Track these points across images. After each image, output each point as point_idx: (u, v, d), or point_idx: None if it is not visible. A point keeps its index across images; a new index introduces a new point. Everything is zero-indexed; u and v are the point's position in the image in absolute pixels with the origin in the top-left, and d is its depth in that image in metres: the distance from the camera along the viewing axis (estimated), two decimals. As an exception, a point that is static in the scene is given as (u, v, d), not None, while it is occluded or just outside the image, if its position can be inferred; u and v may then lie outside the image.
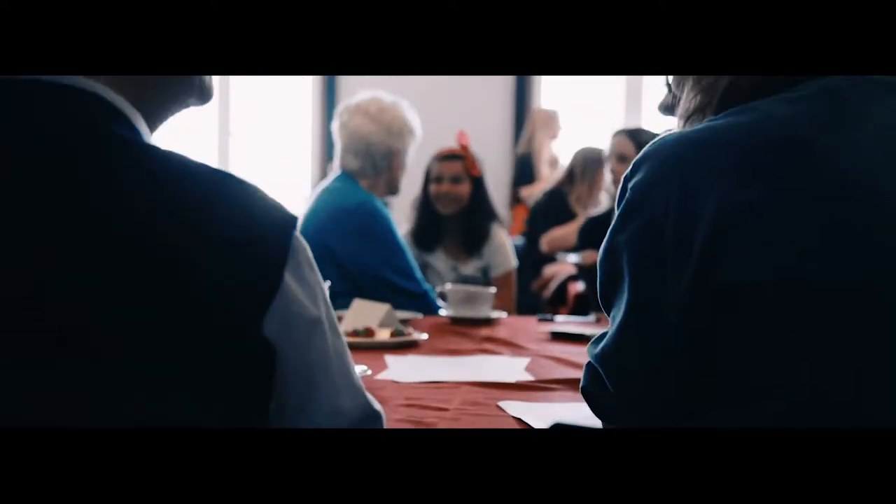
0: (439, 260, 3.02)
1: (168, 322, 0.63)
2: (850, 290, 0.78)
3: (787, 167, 0.81)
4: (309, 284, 0.70)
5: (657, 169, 0.86)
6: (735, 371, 0.80)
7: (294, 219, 0.71)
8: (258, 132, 5.75)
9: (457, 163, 2.98)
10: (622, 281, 0.87)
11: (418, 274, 2.48)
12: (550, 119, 5.08)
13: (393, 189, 2.61)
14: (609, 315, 0.91)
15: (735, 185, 0.81)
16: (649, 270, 0.85)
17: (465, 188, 2.97)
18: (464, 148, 3.04)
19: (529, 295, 3.84)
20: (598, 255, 0.92)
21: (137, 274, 0.63)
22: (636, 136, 2.80)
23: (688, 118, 0.96)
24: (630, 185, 0.88)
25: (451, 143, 2.91)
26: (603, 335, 0.91)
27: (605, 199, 2.94)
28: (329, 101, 5.45)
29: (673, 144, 0.87)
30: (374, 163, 2.53)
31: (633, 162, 0.89)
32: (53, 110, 0.69)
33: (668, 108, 1.03)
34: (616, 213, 0.90)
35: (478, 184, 3.01)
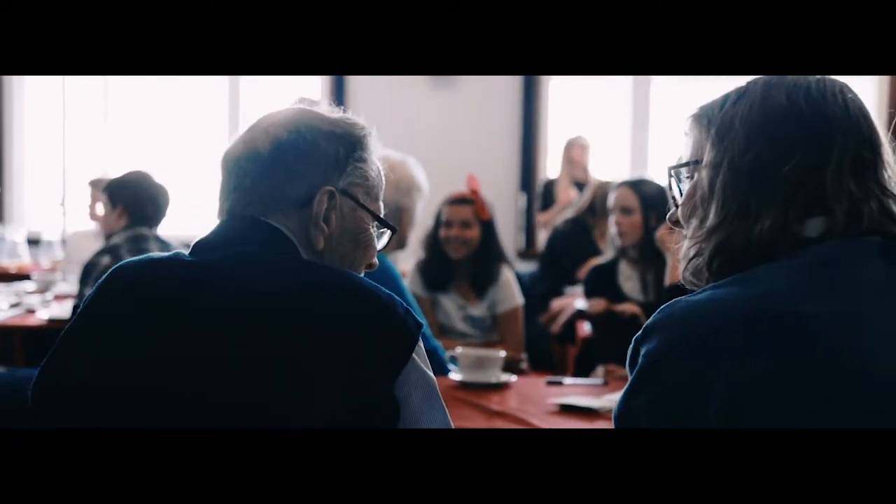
0: (449, 299, 3.06)
1: (331, 385, 0.97)
2: None
3: (784, 344, 0.86)
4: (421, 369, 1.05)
5: (667, 342, 0.91)
6: None
7: (420, 324, 1.05)
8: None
9: (466, 207, 3.00)
10: None
11: (428, 331, 2.51)
12: (570, 145, 5.04)
13: (401, 244, 2.64)
14: None
15: (740, 365, 0.85)
16: None
17: (474, 232, 2.99)
18: (473, 192, 3.06)
19: (538, 326, 3.85)
20: (613, 413, 0.95)
21: (313, 357, 0.98)
22: (639, 188, 2.78)
23: (689, 261, 1.01)
24: (642, 351, 0.92)
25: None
26: None
27: (611, 247, 2.95)
28: (338, 101, 5.48)
29: (681, 317, 0.91)
30: (384, 219, 2.56)
31: (644, 327, 0.93)
32: (258, 239, 1.08)
33: (676, 222, 1.06)
34: (629, 375, 0.93)
35: (487, 227, 3.04)
